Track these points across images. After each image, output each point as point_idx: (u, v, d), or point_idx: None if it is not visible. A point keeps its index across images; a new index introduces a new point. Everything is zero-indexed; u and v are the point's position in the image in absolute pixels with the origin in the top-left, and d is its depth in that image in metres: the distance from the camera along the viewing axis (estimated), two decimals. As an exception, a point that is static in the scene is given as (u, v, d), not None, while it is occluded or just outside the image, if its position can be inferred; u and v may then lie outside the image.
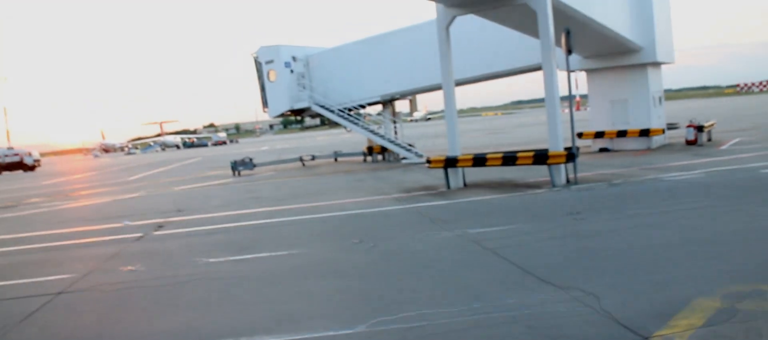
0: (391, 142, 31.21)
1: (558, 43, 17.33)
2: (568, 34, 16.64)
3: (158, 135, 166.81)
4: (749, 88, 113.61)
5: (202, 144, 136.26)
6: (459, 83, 21.35)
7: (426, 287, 7.96)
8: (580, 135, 26.02)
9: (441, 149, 25.93)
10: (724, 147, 24.06)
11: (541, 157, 16.92)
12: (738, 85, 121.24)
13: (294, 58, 32.12)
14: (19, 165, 68.13)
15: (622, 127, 26.20)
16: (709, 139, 27.07)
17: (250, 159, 34.29)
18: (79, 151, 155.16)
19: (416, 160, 29.09)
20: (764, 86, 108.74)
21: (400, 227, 12.85)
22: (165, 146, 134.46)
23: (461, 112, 23.92)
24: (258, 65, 32.78)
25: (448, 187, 18.24)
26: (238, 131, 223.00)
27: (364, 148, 34.80)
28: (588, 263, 8.46)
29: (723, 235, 9.52)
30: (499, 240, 10.34)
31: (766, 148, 21.65)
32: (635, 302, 6.61)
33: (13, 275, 11.15)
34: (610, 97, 26.79)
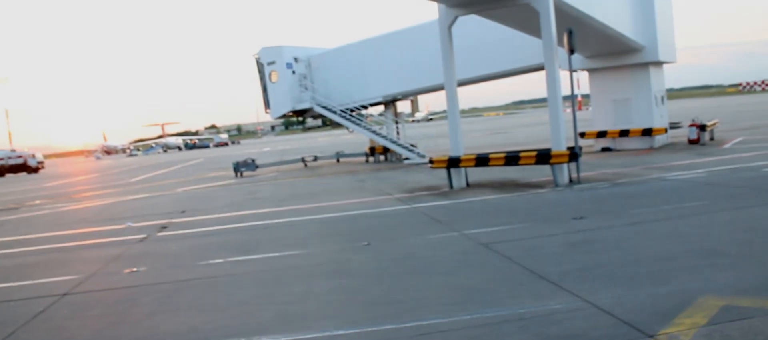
0: (394, 142, 31.24)
1: (560, 42, 17.34)
2: (570, 33, 16.65)
3: (160, 137, 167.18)
4: (751, 87, 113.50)
5: (203, 145, 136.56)
6: (461, 83, 21.36)
7: (432, 289, 7.96)
8: (582, 135, 26.01)
9: (443, 150, 25.91)
10: (726, 146, 24.05)
11: (543, 156, 16.93)
12: (740, 85, 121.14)
13: (296, 59, 32.16)
14: (23, 167, 68.33)
15: (624, 127, 26.19)
16: (712, 139, 27.06)
17: (253, 160, 34.34)
18: (81, 153, 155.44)
19: (418, 160, 29.10)
20: (766, 85, 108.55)
21: (403, 227, 12.86)
22: (167, 148, 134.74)
23: (463, 112, 24.02)
24: (260, 66, 32.83)
25: (451, 187, 18.26)
26: (239, 132, 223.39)
27: (366, 148, 34.83)
28: (591, 262, 8.46)
29: (726, 234, 9.51)
30: (504, 241, 10.34)
31: (769, 147, 21.63)
32: (639, 301, 6.61)
33: (18, 276, 11.19)
34: (613, 97, 26.79)
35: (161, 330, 7.23)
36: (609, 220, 11.41)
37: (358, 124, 31.96)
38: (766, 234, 9.36)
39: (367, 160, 34.73)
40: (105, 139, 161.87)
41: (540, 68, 24.12)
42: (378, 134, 32.05)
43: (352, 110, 31.60)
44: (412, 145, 31.26)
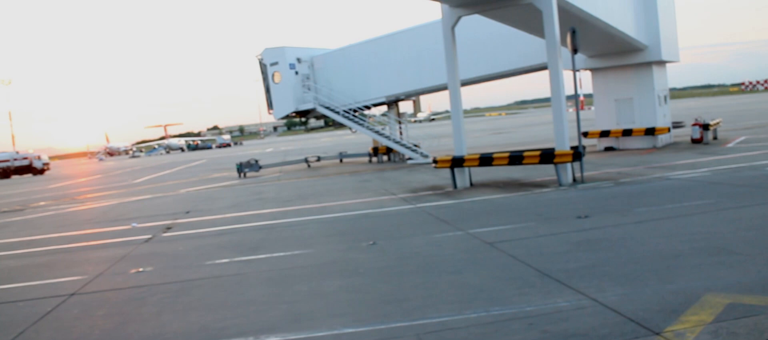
0: (397, 142, 31.28)
1: (563, 42, 17.37)
2: (573, 33, 16.68)
3: (162, 138, 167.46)
4: (754, 86, 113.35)
5: (206, 146, 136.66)
6: (464, 83, 21.42)
7: (438, 287, 8.00)
8: (585, 134, 26.06)
9: (446, 150, 25.96)
10: (729, 145, 24.06)
11: (547, 156, 16.96)
12: (743, 84, 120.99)
13: (299, 60, 32.24)
14: (29, 169, 68.52)
15: (627, 126, 26.23)
16: (715, 138, 27.07)
17: (256, 161, 34.40)
18: (84, 154, 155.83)
19: (422, 160, 29.15)
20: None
21: (408, 226, 12.89)
22: (169, 149, 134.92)
23: (465, 112, 24.04)
24: (263, 67, 32.89)
25: (455, 187, 18.29)
26: (242, 133, 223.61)
27: (369, 149, 34.89)
28: (597, 260, 8.49)
29: (731, 232, 9.54)
30: (509, 240, 10.39)
31: (772, 146, 21.64)
32: (645, 299, 6.64)
33: (25, 277, 11.26)
34: (615, 96, 26.81)
35: (170, 329, 7.28)
36: (613, 219, 11.44)
37: (361, 125, 32.00)
38: (771, 232, 9.38)
39: (370, 161, 34.79)
40: (108, 141, 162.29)
41: (543, 68, 24.24)
42: (381, 134, 32.09)
43: (354, 111, 31.64)
44: (415, 146, 31.31)
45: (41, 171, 68.67)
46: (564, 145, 16.92)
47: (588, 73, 27.82)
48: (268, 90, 32.94)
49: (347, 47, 32.94)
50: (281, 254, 11.18)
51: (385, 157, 33.96)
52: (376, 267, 9.50)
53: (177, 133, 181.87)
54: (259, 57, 32.86)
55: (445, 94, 19.16)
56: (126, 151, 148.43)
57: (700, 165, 18.45)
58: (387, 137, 31.79)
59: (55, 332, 7.64)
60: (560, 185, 16.70)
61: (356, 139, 69.13)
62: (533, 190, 16.43)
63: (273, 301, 8.08)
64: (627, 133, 25.98)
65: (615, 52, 25.62)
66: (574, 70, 17.96)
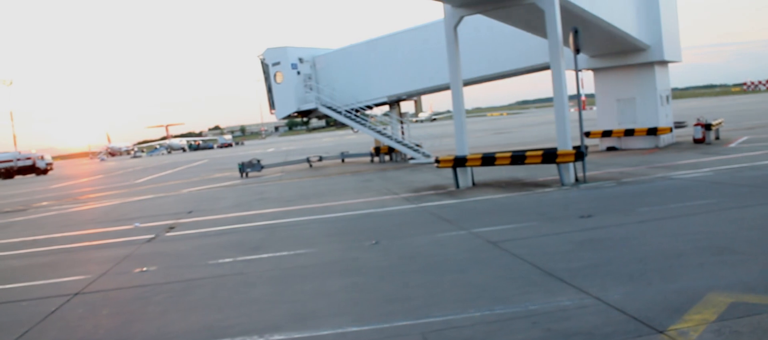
0: (399, 142, 31.31)
1: (566, 42, 17.38)
2: (576, 33, 16.68)
3: (164, 138, 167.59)
4: (756, 86, 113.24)
5: (207, 146, 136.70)
6: (465, 83, 21.40)
7: (442, 286, 8.02)
8: (587, 134, 26.03)
9: (447, 149, 25.97)
10: (732, 145, 24.05)
11: (550, 156, 16.97)
12: (745, 84, 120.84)
13: (300, 60, 32.27)
14: (32, 169, 68.62)
15: (629, 126, 26.23)
16: (717, 138, 27.06)
17: (258, 160, 34.44)
18: (85, 154, 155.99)
19: (424, 160, 29.17)
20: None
21: (411, 226, 12.91)
22: (171, 149, 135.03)
23: (467, 112, 24.01)
24: (265, 67, 32.93)
25: (457, 186, 18.31)
26: (243, 133, 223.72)
27: (371, 148, 34.92)
28: (600, 259, 8.51)
29: (734, 232, 9.55)
30: (512, 239, 10.40)
31: (775, 146, 21.63)
32: (649, 298, 6.66)
33: (29, 277, 11.29)
34: (617, 96, 26.82)
35: (174, 328, 7.30)
36: (616, 218, 11.46)
37: (363, 125, 32.03)
38: (774, 232, 9.39)
39: (372, 161, 34.81)
40: (109, 141, 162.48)
41: (544, 68, 24.26)
42: (383, 134, 32.13)
43: (356, 111, 31.67)
44: (417, 145, 31.33)
45: (45, 171, 68.79)
46: (566, 144, 16.93)
47: (590, 73, 27.82)
48: (270, 90, 32.97)
49: (349, 47, 32.97)
50: (284, 253, 11.20)
51: (387, 157, 33.99)
52: (379, 266, 9.51)
53: (178, 133, 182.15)
54: (261, 57, 32.90)
55: (447, 94, 19.20)
56: (127, 152, 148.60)
57: (702, 165, 18.45)
58: (389, 137, 31.82)
59: (60, 332, 7.67)
60: (563, 184, 16.71)
61: (358, 139, 69.13)
62: (536, 189, 16.44)
63: (277, 300, 8.10)
64: (629, 133, 25.98)
65: (617, 52, 25.62)
66: (577, 70, 17.96)
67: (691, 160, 20.10)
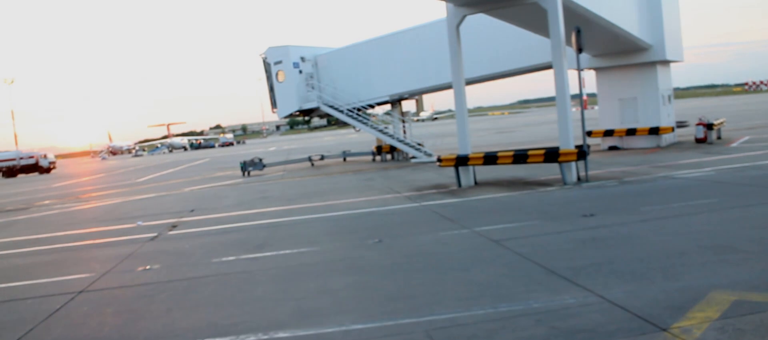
0: (401, 141, 31.34)
1: (568, 41, 17.39)
2: (578, 32, 16.70)
3: (165, 137, 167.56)
4: (758, 86, 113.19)
5: (209, 145, 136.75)
6: (467, 82, 21.42)
7: (446, 284, 8.04)
8: (589, 133, 26.06)
9: (449, 148, 26.01)
10: (733, 145, 24.06)
11: (552, 155, 16.98)
12: (746, 84, 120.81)
13: (302, 59, 32.30)
14: (35, 167, 68.68)
15: (631, 126, 26.23)
16: (719, 138, 27.06)
17: (260, 159, 34.47)
18: (87, 153, 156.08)
19: (425, 159, 29.18)
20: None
21: (414, 224, 12.94)
22: (172, 148, 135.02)
23: (468, 111, 24.03)
24: (267, 66, 32.96)
25: (460, 185, 18.32)
26: (244, 132, 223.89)
27: (373, 147, 34.95)
28: (603, 258, 8.53)
29: (737, 231, 9.57)
30: (515, 238, 10.42)
31: (777, 146, 21.63)
32: (652, 296, 6.68)
33: (33, 275, 11.31)
34: (619, 96, 26.82)
35: (180, 326, 7.33)
36: (619, 217, 11.47)
37: (365, 124, 32.05)
38: (776, 231, 9.41)
39: (373, 160, 34.83)
40: (110, 140, 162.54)
41: (546, 67, 24.25)
42: (385, 133, 32.14)
43: (358, 109, 31.69)
44: (419, 144, 31.34)
45: (48, 170, 68.85)
46: (569, 144, 16.94)
47: (592, 72, 27.82)
48: (271, 89, 33.00)
49: (351, 46, 32.99)
50: (287, 251, 11.23)
51: (388, 156, 34.02)
52: (382, 265, 9.54)
53: (180, 132, 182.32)
54: (263, 56, 32.94)
55: (448, 93, 19.33)
56: (129, 150, 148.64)
57: (704, 164, 18.46)
58: (391, 136, 31.83)
59: (65, 329, 7.70)
60: (565, 183, 16.72)
61: (359, 138, 69.16)
62: (538, 188, 16.46)
63: (281, 298, 8.13)
64: (631, 132, 25.99)
65: (619, 52, 25.63)
66: (579, 69, 17.97)
67: (693, 159, 20.11)
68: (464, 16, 18.10)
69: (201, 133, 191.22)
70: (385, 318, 6.80)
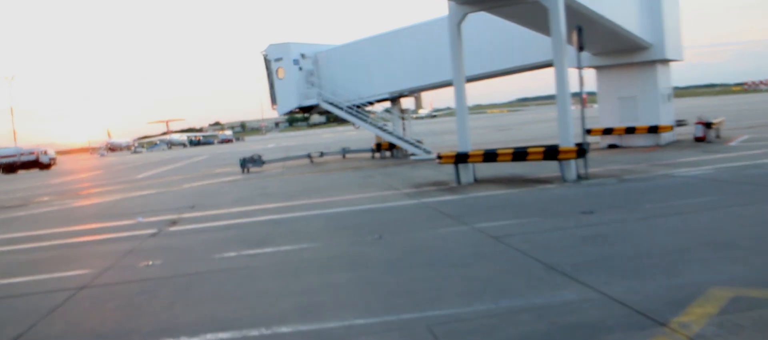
0: (400, 138, 31.39)
1: (568, 40, 17.42)
2: (579, 31, 16.73)
3: (164, 133, 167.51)
4: (757, 86, 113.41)
5: (208, 142, 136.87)
6: (467, 80, 21.44)
7: (447, 280, 8.09)
8: (588, 132, 26.08)
9: (447, 146, 26.02)
10: (732, 144, 24.12)
11: (551, 152, 17.03)
12: (745, 83, 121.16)
13: (303, 56, 32.33)
14: (35, 163, 68.68)
15: (630, 124, 26.27)
16: (718, 136, 27.11)
17: (259, 156, 34.50)
18: (86, 150, 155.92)
19: (425, 156, 29.22)
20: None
21: (414, 221, 12.98)
22: (171, 145, 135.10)
23: (468, 109, 24.05)
24: (267, 63, 32.97)
25: (459, 182, 18.36)
26: (243, 129, 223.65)
27: (372, 144, 35.00)
28: (603, 255, 8.58)
29: (736, 228, 9.63)
30: (515, 234, 10.47)
31: (775, 144, 21.69)
32: (651, 292, 6.74)
33: (34, 271, 11.33)
34: (619, 94, 26.85)
35: (182, 321, 7.37)
36: (618, 214, 11.52)
37: (364, 121, 32.08)
38: (775, 228, 9.46)
39: (373, 157, 34.87)
40: (109, 137, 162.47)
41: (546, 65, 24.29)
42: (384, 130, 32.17)
43: (358, 107, 31.72)
44: (418, 142, 31.37)
45: (48, 166, 68.86)
46: (568, 141, 16.99)
47: (592, 70, 27.85)
48: (271, 86, 33.03)
49: (351, 43, 33.02)
50: (288, 247, 11.27)
51: (387, 153, 34.05)
52: (383, 260, 9.59)
53: (179, 128, 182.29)
54: (263, 52, 32.96)
55: (446, 90, 19.27)
56: (128, 147, 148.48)
57: (703, 163, 18.52)
58: (390, 133, 31.86)
59: (68, 325, 7.74)
60: (564, 181, 16.77)
61: (358, 135, 69.23)
62: (537, 186, 16.50)
63: (282, 293, 8.17)
64: (630, 130, 26.04)
65: (619, 51, 25.66)
66: (580, 67, 18.00)
67: (692, 158, 20.17)
68: (466, 14, 18.13)
69: (200, 130, 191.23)
70: (387, 313, 6.85)
